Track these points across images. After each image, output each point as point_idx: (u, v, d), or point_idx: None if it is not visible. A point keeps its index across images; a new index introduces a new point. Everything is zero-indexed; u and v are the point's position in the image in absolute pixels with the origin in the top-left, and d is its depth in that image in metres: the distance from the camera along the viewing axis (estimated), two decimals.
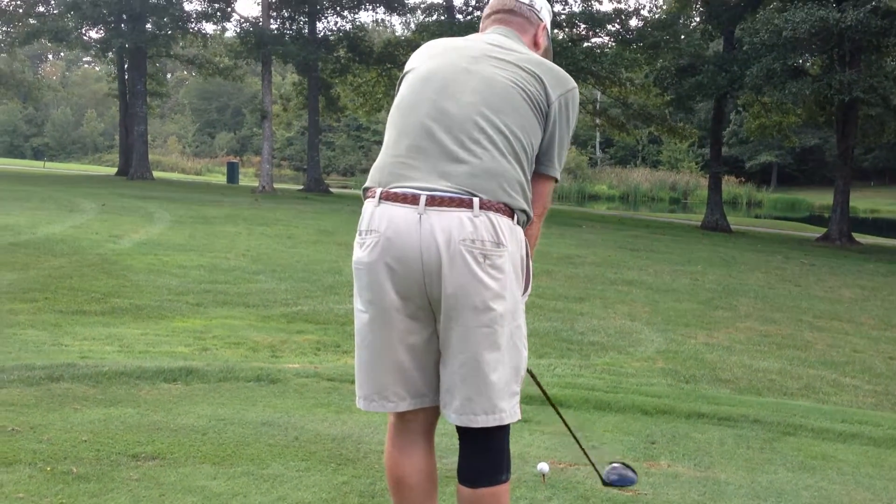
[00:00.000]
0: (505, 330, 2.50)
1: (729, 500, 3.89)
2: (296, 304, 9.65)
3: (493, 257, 2.44)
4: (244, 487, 3.59)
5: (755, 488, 4.08)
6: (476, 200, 2.43)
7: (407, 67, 2.75)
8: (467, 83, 2.56)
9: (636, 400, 5.70)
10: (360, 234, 2.55)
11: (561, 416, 3.26)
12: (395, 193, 2.47)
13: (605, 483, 3.28)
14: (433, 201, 2.43)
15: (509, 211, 2.49)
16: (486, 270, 2.43)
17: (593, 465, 3.32)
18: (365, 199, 2.58)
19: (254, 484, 3.63)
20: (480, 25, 2.90)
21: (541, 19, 2.86)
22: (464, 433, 2.58)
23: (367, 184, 2.60)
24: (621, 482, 3.28)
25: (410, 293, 2.49)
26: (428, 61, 2.68)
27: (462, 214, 2.42)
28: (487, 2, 2.90)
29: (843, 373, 8.22)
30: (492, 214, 2.44)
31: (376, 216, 2.49)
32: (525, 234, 2.59)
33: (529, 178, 2.59)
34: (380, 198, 2.50)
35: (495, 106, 2.53)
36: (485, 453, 2.57)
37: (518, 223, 2.54)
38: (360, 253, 2.54)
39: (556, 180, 2.72)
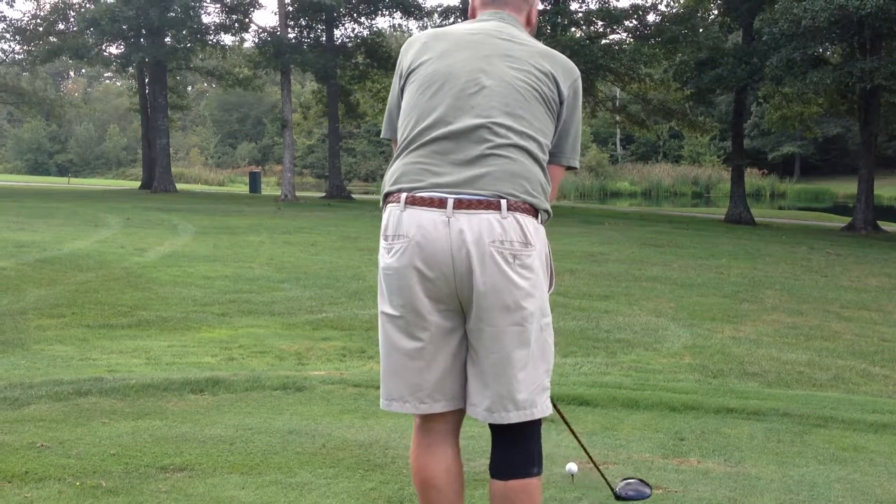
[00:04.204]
0: (535, 327, 2.54)
1: (760, 495, 3.86)
2: (321, 311, 9.68)
3: (522, 257, 2.48)
4: (273, 496, 3.59)
5: (787, 482, 4.05)
6: (504, 202, 2.46)
7: (411, 59, 2.69)
8: (486, 85, 2.57)
9: (664, 397, 5.67)
10: (386, 240, 2.56)
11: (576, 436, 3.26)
12: (422, 198, 2.49)
13: (618, 498, 3.28)
14: (461, 204, 2.45)
15: (534, 211, 2.53)
16: (516, 270, 2.47)
17: (605, 479, 3.33)
18: (386, 204, 2.59)
19: (282, 493, 3.63)
20: (472, 3, 2.86)
21: None
22: (496, 429, 2.61)
23: (387, 188, 2.60)
24: (637, 497, 3.28)
25: (441, 296, 2.51)
26: (438, 61, 2.64)
27: (491, 216, 2.45)
28: None
29: (873, 362, 8.14)
30: (518, 215, 2.48)
31: (404, 221, 2.50)
32: None
33: (548, 177, 2.62)
34: (405, 202, 2.51)
35: (513, 109, 2.55)
36: (516, 448, 2.60)
37: (541, 222, 2.58)
38: (388, 258, 2.54)
39: (573, 168, 2.75)
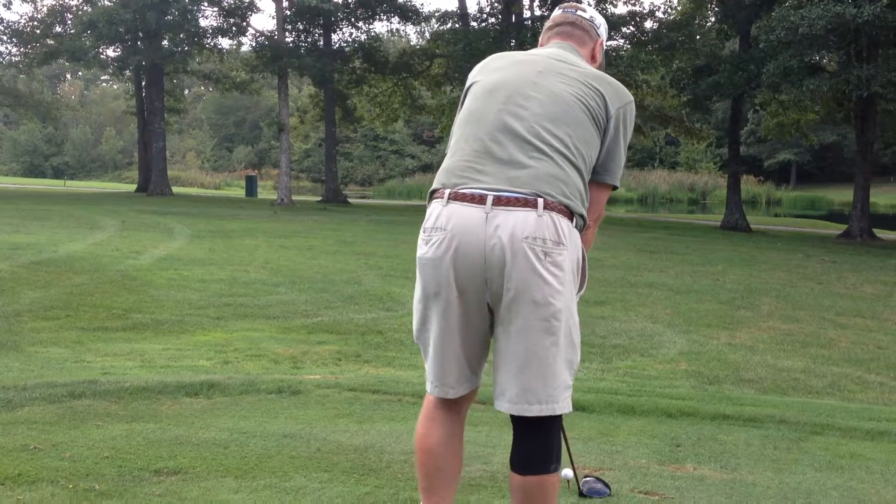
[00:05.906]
0: (562, 325, 2.66)
1: (757, 501, 3.84)
2: (316, 314, 9.66)
3: (553, 255, 2.58)
4: (267, 501, 3.57)
5: (783, 489, 4.03)
6: (541, 200, 2.58)
7: (471, 79, 2.92)
8: (533, 95, 2.72)
9: (660, 403, 5.66)
10: (424, 231, 2.70)
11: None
12: (464, 194, 2.62)
13: (581, 494, 3.45)
14: (500, 201, 2.57)
15: (569, 213, 2.64)
16: (546, 267, 2.57)
17: (576, 478, 3.47)
18: (431, 201, 2.72)
19: (276, 497, 3.61)
20: (542, 37, 3.09)
21: (599, 35, 3.05)
22: (517, 422, 2.72)
23: (434, 186, 2.75)
24: (593, 494, 3.53)
25: (472, 288, 2.62)
26: (493, 73, 2.85)
27: (527, 214, 2.56)
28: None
29: (868, 370, 8.14)
30: (554, 215, 2.58)
31: (444, 215, 2.63)
32: (581, 238, 2.75)
33: (587, 186, 2.75)
34: (448, 198, 2.64)
35: (559, 118, 2.68)
36: (536, 443, 2.70)
37: (576, 226, 2.68)
38: (425, 249, 2.68)
39: (615, 187, 2.89)
